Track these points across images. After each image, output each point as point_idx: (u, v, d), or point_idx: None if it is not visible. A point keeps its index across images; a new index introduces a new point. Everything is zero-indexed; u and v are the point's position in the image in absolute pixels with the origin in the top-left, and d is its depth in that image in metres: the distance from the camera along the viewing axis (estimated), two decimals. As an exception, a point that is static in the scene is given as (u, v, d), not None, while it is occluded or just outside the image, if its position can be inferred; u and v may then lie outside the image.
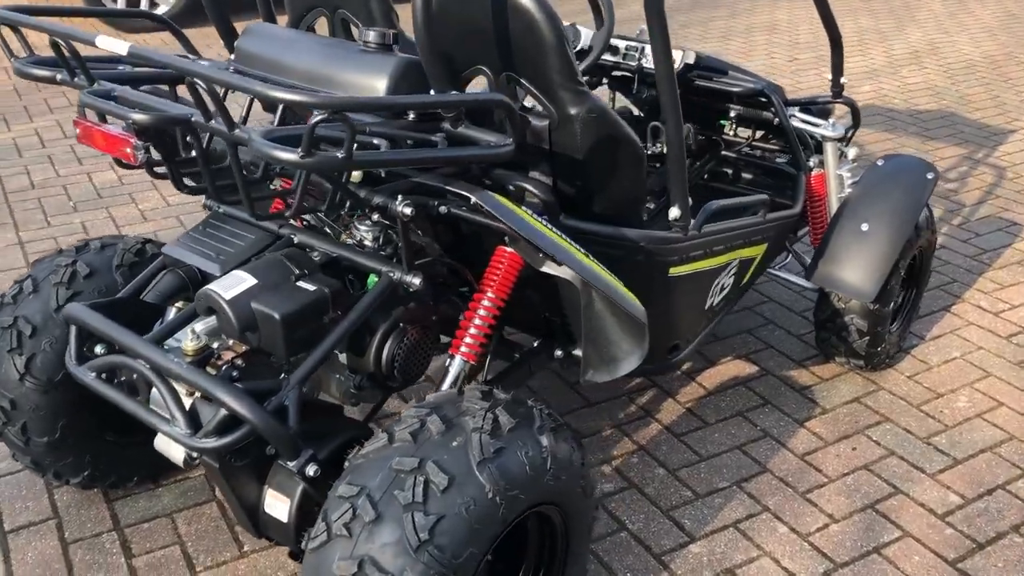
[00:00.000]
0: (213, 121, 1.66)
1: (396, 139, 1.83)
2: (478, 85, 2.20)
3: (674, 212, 2.32)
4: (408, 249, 1.96)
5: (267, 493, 1.99)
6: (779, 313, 3.58)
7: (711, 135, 3.43)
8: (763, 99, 3.10)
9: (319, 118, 1.49)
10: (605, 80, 3.39)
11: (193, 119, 1.69)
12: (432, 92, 1.95)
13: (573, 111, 2.06)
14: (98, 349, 2.12)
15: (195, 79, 1.58)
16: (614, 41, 3.18)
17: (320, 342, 1.94)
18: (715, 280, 2.60)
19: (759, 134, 3.38)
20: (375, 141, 1.71)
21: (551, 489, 1.84)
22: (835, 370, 3.21)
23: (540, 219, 1.98)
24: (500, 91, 2.13)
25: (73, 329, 2.07)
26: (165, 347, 2.00)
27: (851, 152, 3.14)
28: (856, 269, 2.85)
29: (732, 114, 3.30)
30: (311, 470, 1.85)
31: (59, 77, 1.93)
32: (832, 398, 3.07)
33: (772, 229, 2.85)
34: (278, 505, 1.98)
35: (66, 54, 1.85)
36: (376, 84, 1.96)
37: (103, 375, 2.02)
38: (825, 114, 3.32)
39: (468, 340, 2.16)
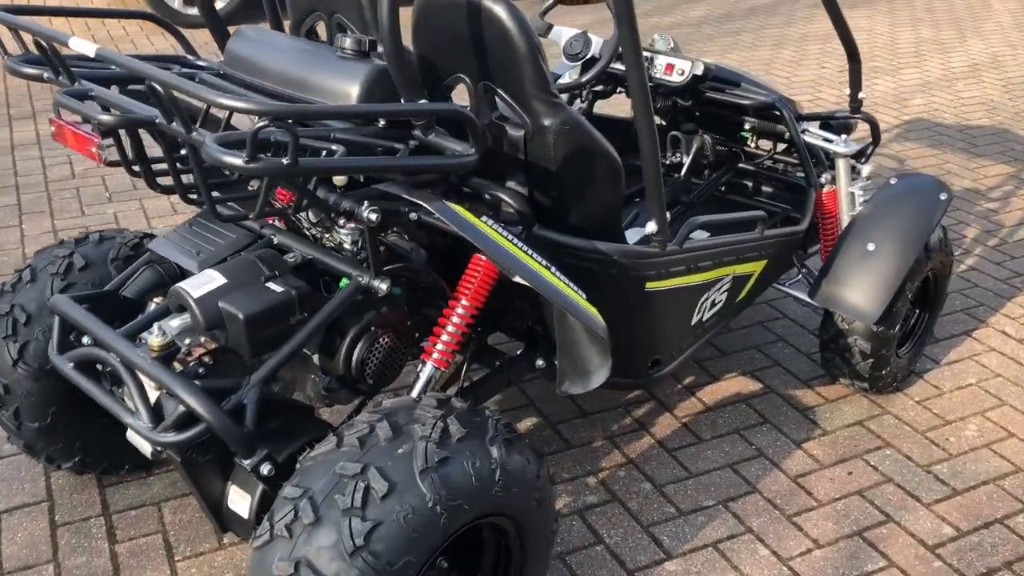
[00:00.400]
0: (174, 123, 1.69)
1: (359, 145, 1.85)
2: (463, 93, 2.21)
3: (650, 227, 2.30)
4: (375, 255, 1.98)
5: (230, 489, 2.02)
6: (791, 330, 3.51)
7: (732, 147, 3.38)
8: (775, 112, 3.05)
9: (260, 124, 1.51)
10: (620, 89, 3.37)
11: (157, 121, 1.72)
12: (402, 100, 1.96)
13: (547, 122, 2.06)
14: (85, 340, 2.18)
15: (151, 82, 1.61)
16: (625, 50, 3.16)
17: (286, 343, 1.97)
18: (702, 296, 2.57)
19: (780, 147, 3.33)
20: (333, 147, 1.72)
21: (501, 501, 1.83)
22: (841, 391, 3.14)
23: (501, 229, 1.97)
24: (479, 100, 2.13)
25: (57, 320, 2.14)
26: (140, 341, 2.05)
27: (865, 169, 3.07)
28: (859, 289, 2.78)
29: (747, 127, 3.25)
30: (265, 469, 1.88)
31: (45, 75, 1.99)
32: (834, 420, 3.01)
33: (772, 246, 2.80)
34: (240, 501, 2.01)
35: (49, 54, 1.90)
36: (348, 90, 1.97)
37: (83, 365, 2.08)
38: (845, 129, 3.25)
39: (440, 347, 2.18)
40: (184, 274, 2.19)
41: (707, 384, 3.18)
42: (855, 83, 3.13)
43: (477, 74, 2.09)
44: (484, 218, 1.95)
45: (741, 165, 3.44)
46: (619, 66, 3.17)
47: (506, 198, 2.17)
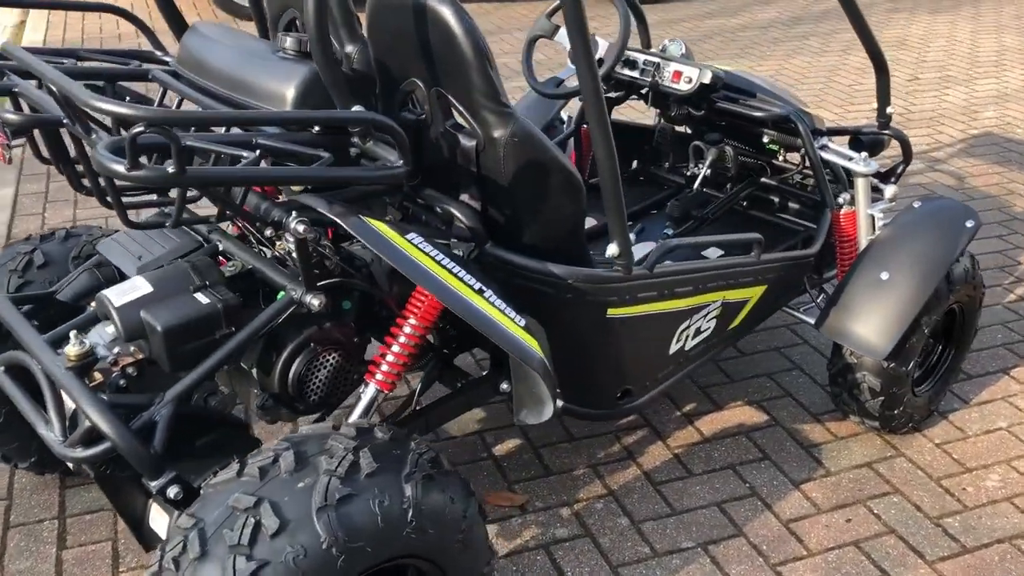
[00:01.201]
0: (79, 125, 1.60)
1: (285, 153, 1.73)
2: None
3: (612, 249, 2.12)
4: (305, 268, 1.86)
5: (151, 506, 1.93)
6: (809, 358, 3.28)
7: (759, 159, 3.17)
8: (791, 125, 2.84)
9: (137, 130, 1.40)
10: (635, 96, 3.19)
11: (65, 121, 1.63)
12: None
13: (496, 133, 1.92)
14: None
15: (45, 81, 1.52)
16: (634, 55, 2.98)
17: (209, 357, 1.86)
18: (683, 323, 2.38)
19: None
20: (245, 154, 1.61)
21: (415, 543, 1.69)
22: (853, 429, 2.91)
23: (429, 248, 1.84)
24: (432, 106, 2.00)
25: None
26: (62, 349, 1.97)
27: (889, 190, 2.83)
28: (869, 322, 2.56)
29: (765, 139, 3.05)
30: (172, 492, 1.77)
31: None
32: (840, 460, 2.78)
33: (773, 270, 2.59)
34: (160, 520, 1.91)
35: None
36: (284, 92, 1.86)
37: (13, 368, 2.01)
38: (877, 146, 3.02)
39: (384, 368, 2.05)
40: (123, 278, 2.10)
41: (708, 412, 2.99)
42: (883, 97, 2.89)
43: (428, 79, 1.96)
44: (411, 235, 1.81)
45: (764, 180, 3.23)
46: (627, 71, 3.00)
47: (457, 212, 2.04)
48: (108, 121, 1.69)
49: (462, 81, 1.86)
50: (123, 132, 1.54)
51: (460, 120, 2.01)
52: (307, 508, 1.58)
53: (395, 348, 2.05)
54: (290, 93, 1.85)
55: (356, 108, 1.78)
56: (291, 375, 2.00)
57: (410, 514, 1.66)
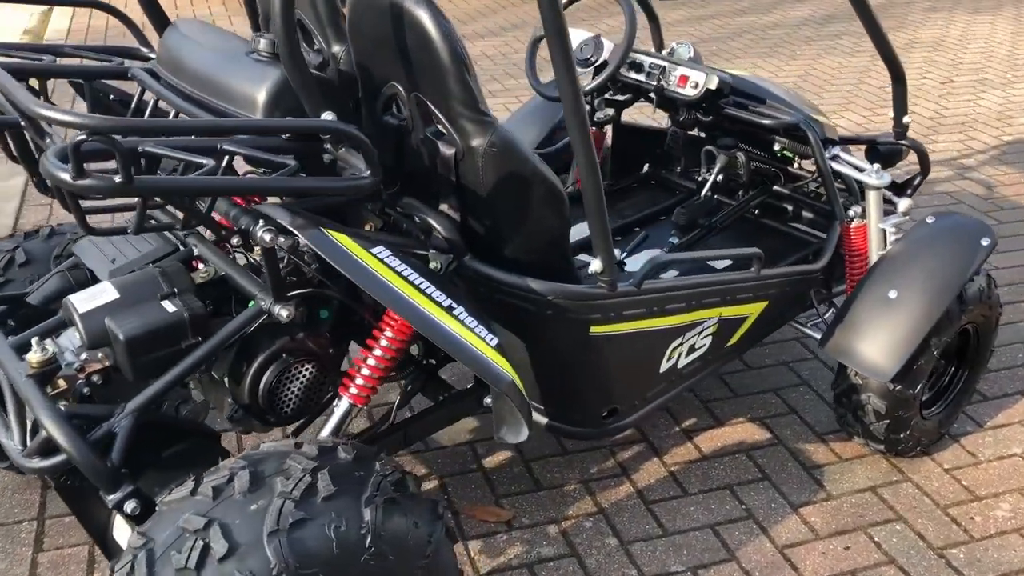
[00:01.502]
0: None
1: (250, 159, 1.66)
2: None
3: (595, 265, 2.02)
4: (274, 277, 1.80)
5: (115, 518, 1.88)
6: (818, 374, 3.17)
7: (774, 166, 3.06)
8: (801, 134, 2.73)
9: (80, 138, 1.35)
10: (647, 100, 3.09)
11: (22, 124, 1.58)
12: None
13: (475, 142, 1.84)
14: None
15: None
16: (640, 57, 2.89)
17: (174, 367, 1.81)
18: (675, 341, 2.29)
19: None
20: (205, 161, 1.54)
21: (373, 570, 1.62)
22: (858, 450, 2.81)
23: (395, 262, 1.77)
24: (412, 111, 1.92)
25: None
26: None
27: (903, 204, 2.72)
28: (875, 342, 2.45)
29: (776, 147, 2.94)
30: (129, 507, 1.72)
31: None
32: (843, 483, 2.68)
33: (774, 286, 2.49)
34: (123, 532, 1.87)
35: None
36: (255, 96, 1.79)
37: None
38: (894, 156, 2.90)
39: (359, 381, 1.99)
40: (96, 281, 2.05)
41: (708, 429, 2.89)
42: (899, 106, 2.78)
43: (407, 83, 1.89)
44: (378, 249, 1.74)
45: (777, 188, 3.13)
46: (633, 74, 2.90)
47: (435, 223, 1.97)
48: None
49: (439, 87, 1.79)
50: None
51: (441, 127, 1.94)
52: (258, 532, 1.52)
53: (370, 361, 1.99)
54: (261, 97, 1.79)
55: (327, 115, 1.71)
56: (261, 387, 1.94)
57: (368, 540, 1.60)
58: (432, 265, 1.99)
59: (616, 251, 2.87)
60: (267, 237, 1.70)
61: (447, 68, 1.75)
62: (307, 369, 1.99)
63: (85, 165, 1.39)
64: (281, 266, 1.91)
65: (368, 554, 1.60)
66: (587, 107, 3.13)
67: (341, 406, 1.98)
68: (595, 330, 2.12)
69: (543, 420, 2.29)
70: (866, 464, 2.75)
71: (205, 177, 1.50)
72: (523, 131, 3.20)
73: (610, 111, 3.20)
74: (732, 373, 3.16)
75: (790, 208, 3.13)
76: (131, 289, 1.86)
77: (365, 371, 1.98)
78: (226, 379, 1.99)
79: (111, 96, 2.23)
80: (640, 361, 2.28)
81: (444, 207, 2.05)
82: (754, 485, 2.66)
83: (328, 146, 1.77)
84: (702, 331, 2.38)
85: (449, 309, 1.76)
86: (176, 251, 2.05)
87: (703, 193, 3.08)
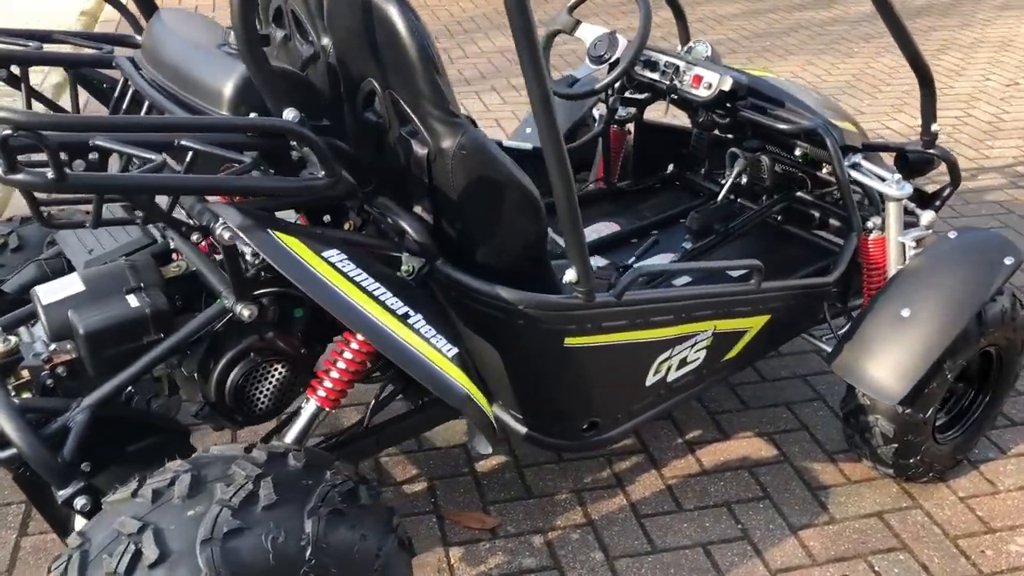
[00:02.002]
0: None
1: (206, 155, 1.62)
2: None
3: (569, 275, 1.93)
4: (236, 276, 1.76)
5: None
6: (836, 389, 3.03)
7: (801, 171, 2.94)
8: (818, 139, 2.61)
9: (5, 132, 1.32)
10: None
11: None
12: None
13: (445, 144, 1.78)
14: None
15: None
16: (655, 56, 2.79)
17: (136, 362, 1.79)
18: (662, 354, 2.19)
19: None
20: (152, 156, 1.50)
21: (313, 583, 1.58)
22: (868, 473, 2.68)
23: (350, 268, 1.71)
24: (387, 109, 1.86)
25: None
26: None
27: (926, 217, 2.58)
28: (884, 362, 2.33)
29: (798, 152, 2.82)
30: (79, 503, 1.70)
31: None
32: (848, 507, 2.56)
33: (777, 299, 2.38)
34: (82, 524, 1.85)
35: None
36: (221, 90, 1.75)
37: None
38: (924, 165, 2.76)
39: (328, 384, 1.94)
40: (72, 271, 2.04)
41: (712, 442, 2.79)
42: (928, 113, 2.64)
43: (381, 80, 1.83)
44: (330, 253, 1.69)
45: (800, 194, 3.00)
46: (648, 72, 2.80)
47: (407, 225, 1.91)
48: None
49: (409, 85, 1.73)
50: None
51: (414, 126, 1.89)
52: (191, 539, 1.48)
53: (340, 364, 1.94)
54: (227, 91, 1.75)
55: (288, 112, 1.66)
56: (228, 385, 1.91)
57: (308, 552, 1.55)
58: (404, 268, 1.95)
59: (626, 256, 2.79)
60: (225, 235, 1.66)
61: (415, 66, 1.69)
62: (276, 369, 1.95)
63: (19, 159, 1.36)
64: (254, 263, 1.88)
65: (308, 567, 1.55)
66: (604, 105, 3.05)
67: (308, 409, 1.94)
68: (570, 341, 2.03)
69: (521, 430, 2.22)
70: (875, 488, 2.63)
71: (142, 174, 1.46)
72: None
73: (632, 109, 3.10)
74: (744, 384, 3.05)
75: (816, 215, 3.00)
76: (97, 282, 1.84)
77: (334, 373, 1.94)
78: (196, 375, 1.97)
79: (104, 84, 2.21)
80: (623, 374, 2.19)
81: (418, 209, 2.00)
82: (753, 504, 2.56)
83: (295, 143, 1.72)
84: (695, 344, 2.28)
85: (404, 317, 1.70)
86: (154, 243, 2.03)
87: (720, 197, 2.97)
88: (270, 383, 1.95)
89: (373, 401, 2.22)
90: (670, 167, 3.33)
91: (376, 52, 1.77)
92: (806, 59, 6.50)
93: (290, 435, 1.95)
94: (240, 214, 1.67)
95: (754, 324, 2.37)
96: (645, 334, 2.15)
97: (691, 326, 2.21)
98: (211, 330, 1.88)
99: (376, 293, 1.70)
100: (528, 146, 2.91)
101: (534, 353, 2.04)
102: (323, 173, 1.65)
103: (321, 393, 1.94)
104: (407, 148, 1.86)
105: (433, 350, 1.70)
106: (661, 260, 2.79)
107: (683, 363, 2.27)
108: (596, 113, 3.25)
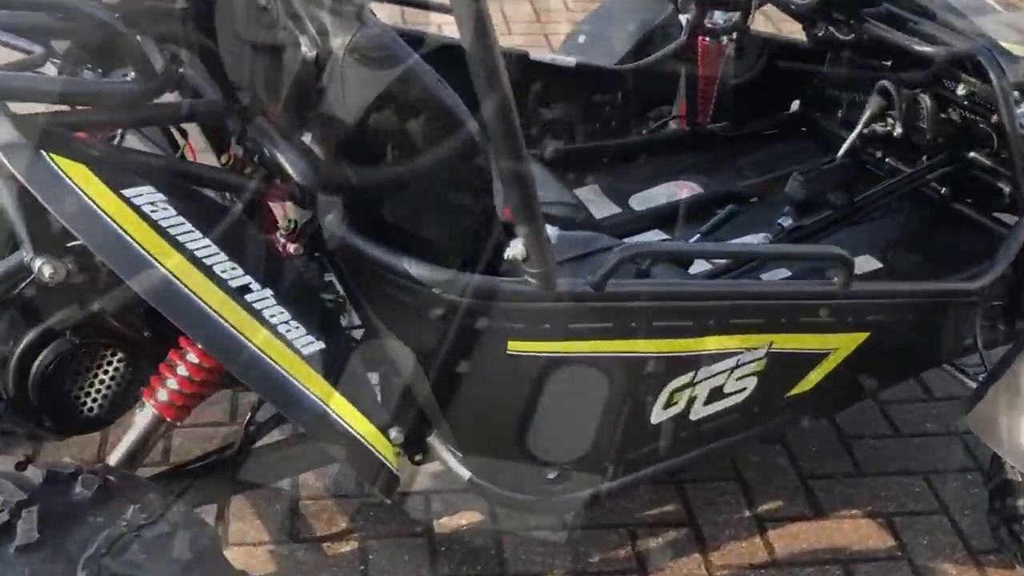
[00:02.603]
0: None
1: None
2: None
3: (514, 247, 1.34)
4: (31, 219, 1.30)
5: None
6: (1004, 454, 2.07)
7: (980, 121, 2.01)
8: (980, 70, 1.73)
9: None
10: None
11: None
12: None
13: (335, 43, 1.30)
14: None
15: None
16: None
17: None
18: (676, 377, 1.50)
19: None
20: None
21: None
22: (1032, 586, 1.74)
23: (166, 213, 1.26)
24: None
25: None
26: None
27: None
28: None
29: (962, 90, 1.93)
30: None
31: None
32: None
33: (880, 310, 1.55)
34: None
35: None
36: None
37: None
38: None
39: (170, 385, 1.41)
40: None
41: (797, 519, 1.94)
42: None
43: None
44: (137, 191, 1.24)
45: (974, 155, 2.05)
46: None
47: (284, 161, 1.39)
48: None
49: None
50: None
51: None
52: None
53: (189, 357, 1.39)
54: None
55: None
56: (32, 374, 1.40)
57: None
58: (283, 224, 1.45)
59: (693, 231, 2.00)
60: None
61: None
62: (105, 358, 1.43)
63: None
64: None
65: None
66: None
67: (144, 417, 1.43)
68: (517, 347, 1.39)
69: (464, 474, 1.54)
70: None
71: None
72: (605, 34, 2.43)
73: (734, 15, 2.27)
74: (863, 438, 2.15)
75: (1005, 190, 2.03)
76: None
77: (182, 370, 1.39)
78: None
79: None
80: (610, 403, 1.47)
81: (307, 138, 1.47)
82: (841, 623, 1.69)
83: None
84: (736, 367, 1.51)
85: (240, 291, 1.25)
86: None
87: (841, 153, 2.10)
88: (97, 377, 1.44)
89: (249, 414, 1.62)
90: (793, 105, 2.49)
91: None
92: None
93: (116, 454, 1.46)
94: (12, 127, 1.21)
95: (841, 344, 1.60)
96: (644, 346, 1.48)
97: (727, 339, 1.51)
98: (15, 295, 1.41)
99: (199, 252, 1.25)
100: (571, 61, 2.23)
101: (465, 359, 1.43)
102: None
103: (161, 397, 1.41)
104: (294, 48, 1.35)
105: (278, 341, 1.25)
106: (745, 240, 1.99)
107: (717, 394, 1.55)
108: (683, 19, 2.41)
